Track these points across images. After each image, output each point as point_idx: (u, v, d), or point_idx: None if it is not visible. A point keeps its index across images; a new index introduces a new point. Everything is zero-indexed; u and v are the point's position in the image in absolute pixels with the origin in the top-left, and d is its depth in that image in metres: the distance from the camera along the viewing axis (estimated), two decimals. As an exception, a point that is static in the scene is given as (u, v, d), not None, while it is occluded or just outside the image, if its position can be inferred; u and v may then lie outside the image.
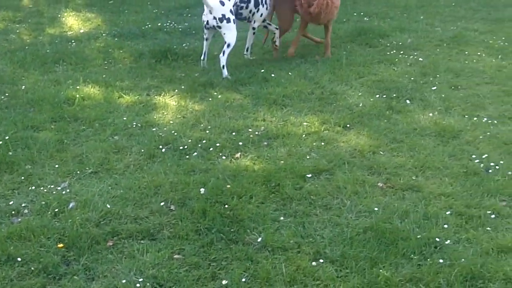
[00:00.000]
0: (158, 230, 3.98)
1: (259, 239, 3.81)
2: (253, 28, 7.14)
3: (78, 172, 4.72)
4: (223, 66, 6.60)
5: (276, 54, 7.28)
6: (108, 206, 4.19)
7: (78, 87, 6.36)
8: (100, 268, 3.62)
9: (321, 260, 3.61)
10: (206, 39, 6.89)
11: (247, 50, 7.28)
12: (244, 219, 4.02)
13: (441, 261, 3.52)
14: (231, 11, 6.62)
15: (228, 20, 6.59)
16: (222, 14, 6.56)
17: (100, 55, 7.51)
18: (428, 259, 3.55)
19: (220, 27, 6.63)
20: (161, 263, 3.64)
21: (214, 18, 6.58)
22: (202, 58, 6.97)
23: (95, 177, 4.66)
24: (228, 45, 6.65)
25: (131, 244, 3.84)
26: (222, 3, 6.57)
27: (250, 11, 6.97)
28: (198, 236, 3.89)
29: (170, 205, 4.24)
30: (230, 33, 6.64)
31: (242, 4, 6.86)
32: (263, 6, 7.00)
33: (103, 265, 3.65)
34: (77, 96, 6.07)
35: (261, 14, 7.04)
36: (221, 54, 6.63)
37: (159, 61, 7.16)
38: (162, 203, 4.24)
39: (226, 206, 4.14)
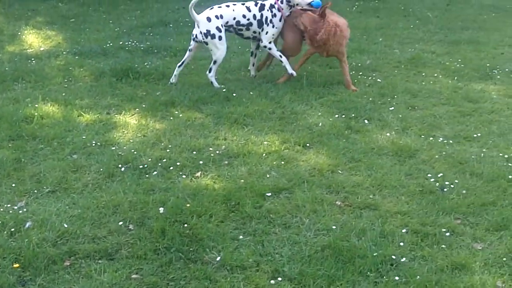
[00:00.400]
0: (116, 250, 3.95)
1: (218, 258, 3.81)
2: (264, 47, 7.05)
3: (36, 191, 4.66)
4: (211, 83, 6.88)
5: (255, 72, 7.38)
6: (66, 226, 4.15)
7: (37, 105, 6.29)
8: (56, 289, 3.58)
9: (280, 279, 3.63)
10: (190, 50, 6.98)
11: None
12: (203, 238, 4.02)
13: (397, 278, 3.58)
14: (217, 28, 6.70)
15: (213, 37, 6.70)
16: (207, 30, 6.70)
17: (60, 73, 7.46)
18: (384, 277, 3.61)
19: (206, 43, 6.79)
20: (118, 283, 3.61)
21: (201, 32, 6.72)
22: (178, 65, 7.06)
23: (53, 196, 4.61)
24: (215, 62, 6.83)
25: (88, 264, 3.81)
26: (209, 19, 6.68)
27: (254, 32, 6.97)
28: (156, 255, 3.87)
29: (128, 224, 4.22)
30: (216, 49, 6.76)
31: (241, 27, 6.91)
32: (268, 25, 6.92)
33: (60, 285, 3.61)
34: (36, 114, 6.01)
35: (267, 32, 6.94)
36: (208, 72, 6.88)
37: (120, 80, 7.14)
38: (120, 223, 4.21)
39: (186, 225, 4.14)
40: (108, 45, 8.62)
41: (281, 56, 6.96)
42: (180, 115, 6.08)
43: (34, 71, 7.48)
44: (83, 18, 10.72)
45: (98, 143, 5.46)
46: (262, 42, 7.00)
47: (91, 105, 6.40)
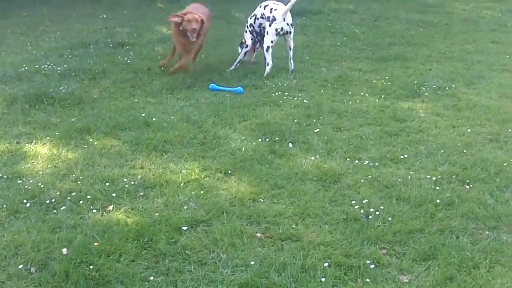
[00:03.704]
0: (14, 298, 3.59)
1: (126, 304, 3.50)
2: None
3: None
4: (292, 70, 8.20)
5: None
6: (-44, 275, 3.76)
7: None
8: None
9: (192, 324, 3.34)
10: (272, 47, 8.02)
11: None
12: (111, 281, 3.70)
13: (317, 319, 3.34)
14: None
15: (292, 26, 8.07)
16: (292, 22, 8.04)
17: (-31, 101, 6.98)
18: (304, 318, 3.37)
19: (290, 33, 8.00)
20: (13, 336, 3.26)
21: (287, 24, 7.93)
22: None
23: None
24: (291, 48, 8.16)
25: (-19, 316, 3.43)
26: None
27: None
28: (58, 303, 3.53)
29: (30, 267, 3.85)
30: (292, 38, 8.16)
31: None
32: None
33: None
34: None
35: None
36: (292, 59, 8.21)
37: (33, 106, 6.72)
38: (21, 266, 3.84)
39: (92, 266, 3.80)
40: (23, 68, 8.14)
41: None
42: (95, 143, 5.72)
43: None
44: (0, 41, 10.18)
45: (5, 176, 5.05)
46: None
47: (0, 134, 5.97)
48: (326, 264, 3.85)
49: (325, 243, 4.11)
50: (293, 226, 4.34)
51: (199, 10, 7.85)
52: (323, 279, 3.70)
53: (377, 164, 5.35)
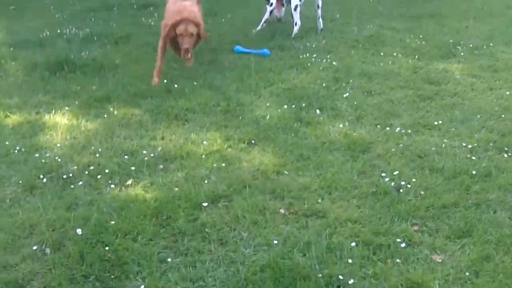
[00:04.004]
0: (28, 280, 3.44)
1: (142, 287, 3.33)
2: None
3: None
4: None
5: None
6: (-29, 254, 3.63)
7: (-42, 107, 5.71)
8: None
9: (210, 310, 3.17)
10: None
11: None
12: (127, 262, 3.54)
13: (343, 305, 3.13)
14: None
15: None
16: None
17: (-10, 68, 6.85)
18: (329, 303, 3.16)
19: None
20: (25, 324, 3.13)
21: None
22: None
23: (-36, 216, 4.08)
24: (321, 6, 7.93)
25: (-6, 299, 3.31)
26: None
27: None
28: (72, 286, 3.38)
29: (44, 248, 3.71)
30: None
31: None
32: None
33: (-42, 329, 3.12)
34: (-44, 118, 5.43)
35: None
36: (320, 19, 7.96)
37: (54, 73, 6.55)
38: (35, 247, 3.70)
39: (108, 247, 3.64)
40: (45, 33, 7.97)
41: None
42: (116, 112, 5.53)
43: (-38, 67, 6.86)
44: (23, 5, 10.01)
45: (23, 150, 4.91)
46: None
47: (20, 104, 5.82)
48: (353, 244, 3.61)
49: (353, 219, 3.88)
50: (319, 201, 4.11)
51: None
52: (350, 260, 3.47)
53: (409, 131, 5.07)
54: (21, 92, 6.14)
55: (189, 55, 6.16)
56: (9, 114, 5.58)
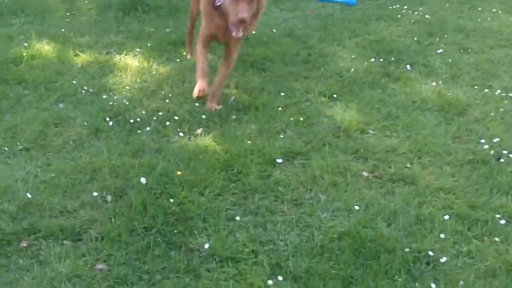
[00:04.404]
0: (85, 229, 3.20)
1: (207, 246, 3.02)
2: None
3: (7, 148, 3.94)
4: None
5: None
6: (29, 196, 3.41)
7: (29, 43, 5.50)
8: (5, 278, 2.86)
9: (280, 278, 2.82)
10: None
11: None
12: (192, 217, 3.24)
13: (433, 286, 2.72)
14: None
15: None
16: None
17: (63, 6, 6.62)
18: (417, 283, 2.75)
19: None
20: (79, 275, 2.87)
21: None
22: None
23: (25, 156, 3.87)
24: None
25: (49, 246, 3.07)
26: None
27: None
28: (132, 238, 3.11)
29: (106, 195, 3.45)
30: None
31: None
32: None
33: (10, 274, 2.90)
34: (25, 54, 5.22)
35: None
36: None
37: (127, 14, 6.27)
38: (96, 193, 3.45)
39: (173, 199, 3.35)
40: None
41: None
42: (189, 57, 5.21)
43: (35, 3, 6.66)
44: None
45: (91, 90, 4.67)
46: None
47: (91, 44, 5.58)
48: (446, 217, 3.19)
49: (446, 189, 3.45)
50: (407, 165, 3.69)
51: None
52: (442, 235, 3.05)
53: (510, 94, 4.57)
54: (92, 31, 5.90)
55: (240, 32, 4.02)
56: (79, 53, 5.34)
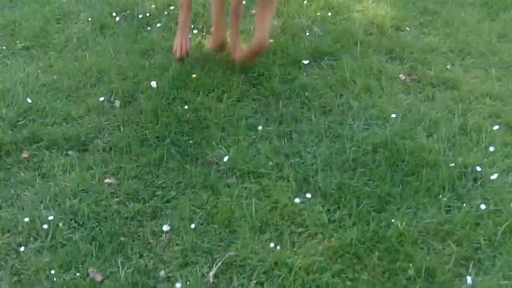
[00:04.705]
0: (91, 138, 2.91)
1: (226, 158, 2.71)
2: None
3: (4, 48, 3.61)
4: None
5: None
6: (29, 101, 3.09)
7: None
8: (5, 193, 2.60)
9: (308, 195, 2.51)
10: None
11: None
12: (209, 126, 2.92)
13: (482, 207, 2.40)
14: None
15: None
16: None
17: None
18: (464, 203, 2.44)
19: None
20: (86, 189, 2.60)
21: None
22: None
23: (25, 55, 3.57)
24: None
25: (52, 156, 2.80)
26: None
27: None
28: (143, 149, 2.81)
29: (113, 100, 3.13)
30: None
31: None
32: None
33: (10, 189, 2.64)
34: None
35: None
36: None
37: None
38: (102, 98, 3.13)
39: (187, 105, 3.01)
40: None
41: None
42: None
43: None
44: None
45: (97, -21, 4.25)
46: None
47: None
48: (495, 127, 2.83)
49: (493, 95, 3.08)
50: (448, 67, 3.31)
51: None
52: (491, 148, 2.70)
53: None
54: None
55: None
56: None
